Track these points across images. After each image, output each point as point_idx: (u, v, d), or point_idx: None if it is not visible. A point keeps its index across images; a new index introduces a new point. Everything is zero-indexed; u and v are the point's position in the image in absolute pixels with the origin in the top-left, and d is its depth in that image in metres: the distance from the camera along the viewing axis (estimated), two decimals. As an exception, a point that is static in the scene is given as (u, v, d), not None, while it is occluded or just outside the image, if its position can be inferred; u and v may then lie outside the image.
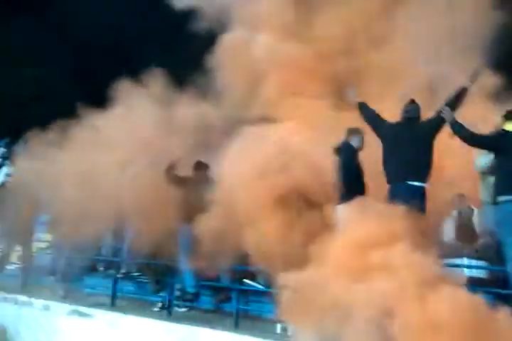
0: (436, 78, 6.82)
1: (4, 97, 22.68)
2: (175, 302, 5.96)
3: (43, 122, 7.31)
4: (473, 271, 4.86)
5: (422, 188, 5.13)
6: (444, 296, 3.35)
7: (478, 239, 5.45)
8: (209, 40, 8.34)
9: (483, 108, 6.35)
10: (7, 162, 11.77)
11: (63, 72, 20.36)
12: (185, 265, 5.70)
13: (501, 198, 4.55)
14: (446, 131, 5.11)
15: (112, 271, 6.85)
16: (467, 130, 4.95)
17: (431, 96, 6.32)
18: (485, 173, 5.41)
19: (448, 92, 5.48)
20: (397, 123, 5.42)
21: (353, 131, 5.67)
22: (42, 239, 8.17)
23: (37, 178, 7.22)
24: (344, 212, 4.11)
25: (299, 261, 3.88)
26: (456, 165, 6.20)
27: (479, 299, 3.52)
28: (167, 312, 5.84)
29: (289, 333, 4.56)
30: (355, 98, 5.80)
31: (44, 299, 6.74)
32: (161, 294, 6.26)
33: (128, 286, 6.89)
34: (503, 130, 4.80)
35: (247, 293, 5.51)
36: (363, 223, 3.89)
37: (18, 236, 7.69)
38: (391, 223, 3.86)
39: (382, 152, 5.39)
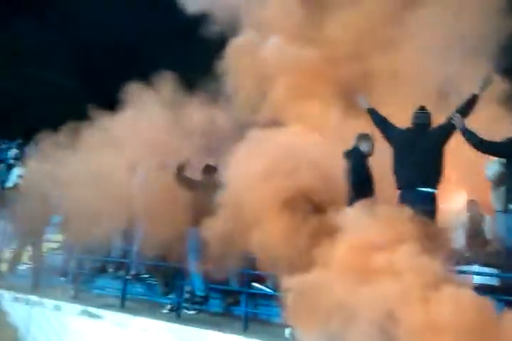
0: (445, 82, 6.82)
1: (15, 98, 22.94)
2: (184, 304, 5.98)
3: (54, 124, 7.38)
4: (484, 278, 4.85)
5: (433, 194, 5.14)
6: (447, 298, 3.36)
7: (488, 246, 5.44)
8: (220, 43, 8.39)
9: (494, 114, 6.33)
10: (19, 163, 11.84)
11: (75, 74, 20.55)
12: (194, 268, 5.73)
13: (512, 206, 4.56)
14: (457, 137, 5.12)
15: (121, 273, 6.90)
16: (478, 137, 4.95)
17: (440, 101, 6.31)
18: (495, 182, 5.40)
19: (458, 97, 5.49)
20: (408, 129, 5.42)
21: (363, 137, 5.70)
22: (53, 240, 8.23)
23: (48, 179, 7.28)
24: (350, 215, 4.13)
25: (304, 264, 3.91)
26: (468, 172, 6.19)
27: (484, 301, 3.53)
28: (176, 314, 5.87)
29: (296, 337, 4.58)
30: (365, 104, 5.83)
31: (55, 299, 6.79)
32: (170, 296, 6.30)
33: (137, 288, 6.93)
34: (515, 136, 4.81)
35: (256, 297, 5.53)
36: (368, 226, 3.90)
37: (29, 237, 7.74)
38: (396, 226, 3.88)
39: (392, 158, 5.41)
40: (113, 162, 6.58)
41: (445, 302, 3.34)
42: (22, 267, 8.00)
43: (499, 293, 4.44)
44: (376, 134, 5.67)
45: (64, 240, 7.89)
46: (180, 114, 7.16)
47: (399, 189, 5.27)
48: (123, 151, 6.67)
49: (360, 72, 7.50)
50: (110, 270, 7.30)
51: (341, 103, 7.27)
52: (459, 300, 3.34)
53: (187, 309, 6.00)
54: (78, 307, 6.46)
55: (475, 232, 5.61)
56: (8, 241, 8.19)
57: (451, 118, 5.14)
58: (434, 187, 5.15)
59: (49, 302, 6.75)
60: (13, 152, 14.55)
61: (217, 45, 8.38)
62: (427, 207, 4.96)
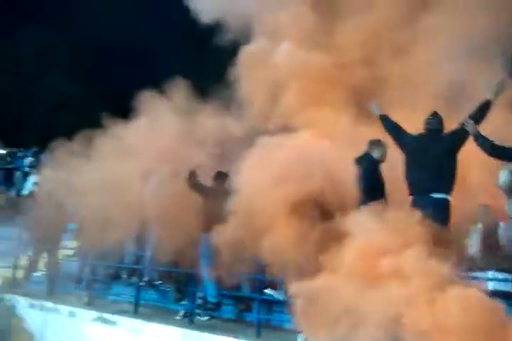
0: (457, 87, 6.78)
1: (29, 107, 23.27)
2: (197, 310, 6.00)
3: (69, 132, 7.48)
4: (499, 283, 4.80)
5: (446, 200, 5.11)
6: (454, 301, 3.35)
7: (503, 252, 5.39)
8: (232, 51, 8.46)
9: (507, 119, 6.28)
10: (34, 171, 12.01)
11: (88, 83, 20.80)
12: (207, 274, 5.75)
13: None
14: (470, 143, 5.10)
15: (134, 279, 6.94)
16: (490, 142, 4.92)
17: (452, 106, 6.28)
18: (506, 191, 5.35)
19: (470, 102, 5.46)
20: (420, 135, 5.41)
21: (375, 143, 5.70)
22: (68, 247, 8.31)
23: (62, 187, 7.38)
24: (357, 220, 4.13)
25: (313, 269, 3.92)
26: (481, 178, 6.14)
27: (492, 303, 3.50)
28: (189, 320, 5.89)
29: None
30: (377, 110, 5.84)
31: (70, 305, 6.85)
32: (183, 302, 6.32)
33: (151, 294, 6.97)
34: (527, 142, 4.78)
35: (268, 303, 5.53)
36: (375, 230, 3.91)
37: (45, 244, 7.83)
38: (404, 230, 3.88)
39: (404, 164, 5.40)
40: (126, 169, 6.65)
41: (452, 304, 3.33)
42: (37, 274, 8.07)
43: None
44: (388, 140, 5.68)
45: (78, 247, 7.96)
46: (193, 122, 7.22)
47: (411, 195, 5.26)
48: (136, 159, 6.73)
49: (371, 77, 7.50)
50: (124, 276, 7.35)
51: (353, 108, 7.27)
52: (466, 302, 3.34)
53: (200, 315, 6.01)
54: (93, 314, 6.51)
55: (489, 238, 5.55)
56: (24, 248, 8.27)
57: (464, 123, 5.13)
58: (447, 193, 5.13)
59: (64, 309, 6.81)
60: (28, 160, 14.75)
61: (230, 53, 8.46)
62: (439, 213, 4.96)
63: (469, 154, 5.30)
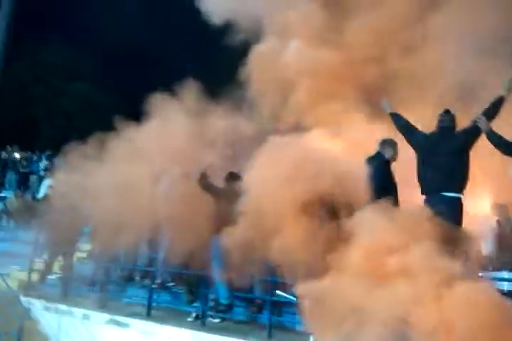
0: (469, 84, 6.69)
1: (45, 110, 23.58)
2: (209, 312, 6.00)
3: (82, 135, 7.52)
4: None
5: (458, 199, 5.04)
6: (461, 297, 3.30)
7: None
8: (243, 51, 8.47)
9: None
10: (48, 174, 12.14)
11: (103, 86, 21.01)
12: (218, 276, 5.74)
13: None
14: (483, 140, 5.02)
15: (147, 281, 6.96)
16: (503, 139, 4.85)
17: (463, 103, 6.20)
18: None
19: (482, 99, 5.38)
20: (432, 134, 5.36)
21: (386, 142, 5.64)
22: (83, 250, 8.38)
23: (76, 190, 7.43)
24: (364, 218, 4.09)
25: (322, 269, 3.90)
26: (495, 175, 6.05)
27: (500, 299, 3.44)
28: (201, 322, 5.89)
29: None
30: (388, 108, 5.78)
31: (84, 308, 6.89)
32: (195, 304, 6.32)
33: (163, 296, 6.98)
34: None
35: (280, 304, 5.50)
36: (382, 228, 3.87)
37: (61, 247, 7.89)
38: (412, 227, 3.84)
39: (416, 162, 5.33)
40: (138, 172, 6.67)
41: (459, 301, 3.28)
42: (52, 277, 8.14)
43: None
44: (399, 139, 5.61)
45: (92, 249, 8.01)
46: (204, 123, 7.22)
47: (423, 194, 5.20)
48: (148, 161, 6.75)
49: (381, 75, 7.45)
50: (137, 278, 7.38)
51: (364, 106, 7.22)
52: (473, 299, 3.29)
53: (212, 317, 6.00)
54: (106, 316, 6.54)
55: (504, 237, 5.46)
56: (39, 252, 8.35)
57: (476, 120, 5.05)
58: (460, 192, 5.06)
59: (78, 311, 6.85)
60: (43, 164, 14.93)
61: (241, 53, 8.46)
62: (451, 212, 4.89)
63: (483, 151, 5.22)
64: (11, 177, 15.75)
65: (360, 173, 4.77)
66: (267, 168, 4.76)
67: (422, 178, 5.27)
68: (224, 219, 5.38)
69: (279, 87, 8.22)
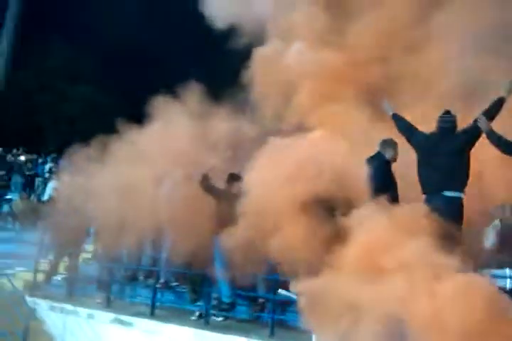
0: (472, 84, 6.73)
1: (50, 114, 23.71)
2: (212, 311, 6.05)
3: (86, 138, 7.59)
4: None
5: (458, 198, 5.08)
6: (456, 292, 3.33)
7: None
8: (246, 53, 8.53)
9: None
10: (53, 176, 12.25)
11: (102, 88, 21.06)
12: (221, 275, 5.79)
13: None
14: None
15: (151, 281, 7.02)
16: (503, 139, 4.90)
17: (466, 104, 6.23)
18: None
19: (485, 99, 5.41)
20: (433, 134, 5.40)
21: (387, 142, 5.70)
22: (89, 250, 8.45)
23: (80, 192, 7.51)
24: (361, 215, 4.15)
25: (321, 268, 3.95)
26: (496, 175, 6.07)
27: (495, 292, 3.47)
28: (204, 321, 5.94)
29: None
30: (390, 109, 5.83)
31: (88, 308, 6.96)
32: (198, 303, 6.37)
33: (167, 296, 7.04)
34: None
35: (283, 303, 5.54)
36: (378, 224, 3.92)
37: (66, 248, 7.96)
38: (408, 223, 3.88)
39: (417, 163, 5.38)
40: (141, 174, 6.73)
41: (453, 295, 3.32)
42: (57, 277, 8.21)
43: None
44: (400, 139, 5.66)
45: (96, 250, 8.09)
46: (207, 125, 7.28)
47: (424, 194, 5.24)
48: (151, 163, 6.81)
49: (384, 75, 7.48)
50: (141, 278, 7.44)
51: (366, 107, 7.26)
52: (467, 293, 3.32)
53: (215, 316, 6.05)
54: (111, 316, 6.60)
55: (507, 235, 5.47)
56: (45, 252, 8.43)
57: (477, 121, 5.10)
58: (460, 191, 5.10)
59: (83, 311, 6.92)
60: (48, 166, 15.04)
61: (244, 56, 8.52)
62: (452, 211, 4.93)
63: (484, 151, 5.26)
64: (16, 179, 15.88)
65: (361, 173, 4.81)
66: (267, 169, 4.82)
67: (422, 178, 5.31)
68: (225, 220, 5.43)
69: (281, 89, 8.27)
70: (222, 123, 7.56)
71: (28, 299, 7.52)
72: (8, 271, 8.19)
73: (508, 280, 4.64)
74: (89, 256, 8.60)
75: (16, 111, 22.01)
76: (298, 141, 5.12)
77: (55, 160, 14.83)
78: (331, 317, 3.64)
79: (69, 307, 7.09)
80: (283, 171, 4.71)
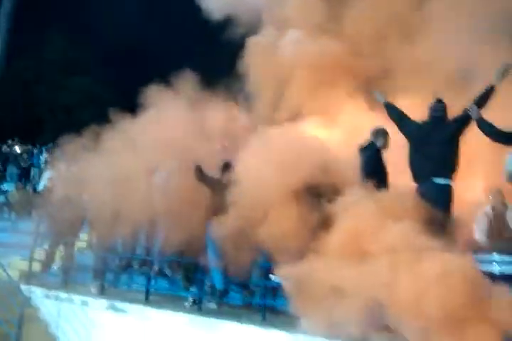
0: (468, 73, 6.74)
1: (47, 105, 23.66)
2: (205, 297, 6.11)
3: (83, 128, 7.58)
4: (506, 267, 4.77)
5: (449, 186, 5.13)
6: (436, 272, 3.38)
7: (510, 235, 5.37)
8: (240, 43, 8.52)
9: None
10: (48, 166, 12.25)
11: (98, 79, 21.00)
12: (214, 263, 5.84)
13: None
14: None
15: (145, 268, 7.06)
16: (493, 127, 4.93)
17: (462, 92, 6.26)
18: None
19: (477, 88, 5.43)
20: (424, 123, 5.44)
21: (378, 131, 5.72)
22: (84, 239, 8.49)
23: (74, 182, 7.53)
24: (346, 201, 4.19)
25: (309, 253, 3.99)
26: (487, 163, 6.12)
27: (474, 272, 3.52)
28: (197, 307, 6.00)
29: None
30: (381, 98, 5.85)
31: (83, 295, 7.00)
32: (191, 290, 6.43)
33: (161, 283, 7.09)
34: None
35: (274, 289, 5.60)
36: (363, 210, 3.96)
37: (62, 237, 7.98)
38: (392, 209, 3.92)
39: (408, 151, 5.42)
40: (135, 164, 6.74)
41: (434, 276, 3.36)
42: (54, 266, 8.24)
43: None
44: (392, 128, 5.68)
45: (91, 239, 8.12)
46: (201, 115, 7.28)
47: (415, 181, 5.28)
48: (144, 152, 6.82)
49: (379, 64, 7.48)
50: (135, 266, 7.48)
51: (359, 96, 7.27)
52: (447, 275, 3.36)
53: (208, 302, 6.11)
54: (105, 303, 6.65)
55: (497, 221, 5.52)
56: (40, 241, 8.45)
57: (467, 109, 5.13)
58: (451, 179, 5.14)
59: (77, 298, 6.96)
60: (43, 157, 15.04)
61: (239, 44, 8.51)
62: (442, 198, 4.98)
63: (475, 139, 5.30)
64: (12, 170, 15.88)
65: (350, 161, 4.85)
66: (257, 157, 4.85)
67: (414, 167, 5.35)
68: (219, 209, 5.47)
69: (277, 78, 8.27)
70: (217, 112, 7.57)
71: (23, 287, 7.55)
72: (4, 260, 8.21)
73: (496, 265, 4.70)
74: (84, 245, 8.64)
75: (13, 102, 21.96)
76: (289, 129, 5.15)
77: (51, 151, 14.82)
78: (315, 301, 3.69)
79: (63, 294, 7.12)
80: (272, 159, 4.74)
